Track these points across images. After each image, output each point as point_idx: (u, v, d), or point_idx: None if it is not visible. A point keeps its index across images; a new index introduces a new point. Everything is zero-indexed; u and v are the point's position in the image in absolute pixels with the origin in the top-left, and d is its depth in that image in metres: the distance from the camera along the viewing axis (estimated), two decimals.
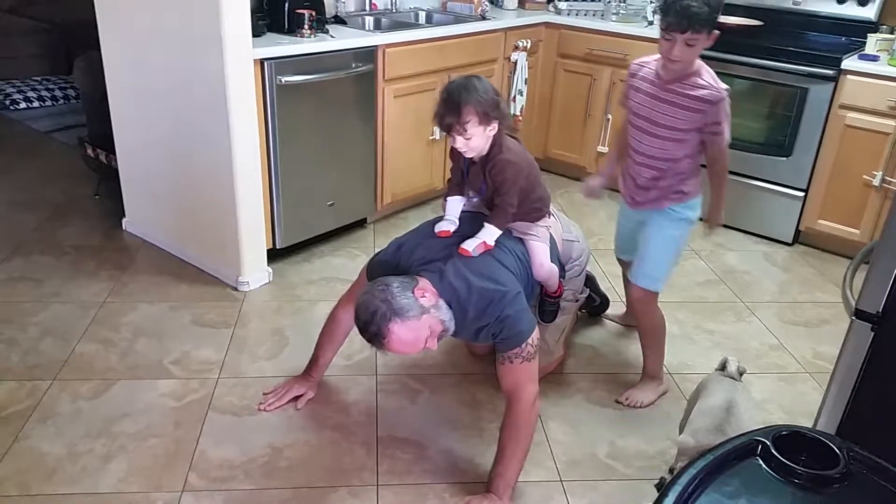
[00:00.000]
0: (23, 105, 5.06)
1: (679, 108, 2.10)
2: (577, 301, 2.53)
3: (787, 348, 2.79)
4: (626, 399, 2.40)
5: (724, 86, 2.09)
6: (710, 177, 2.24)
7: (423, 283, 1.88)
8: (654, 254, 2.29)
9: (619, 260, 2.63)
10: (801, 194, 3.52)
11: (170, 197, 3.12)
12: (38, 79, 5.41)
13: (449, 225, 2.05)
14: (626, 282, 2.51)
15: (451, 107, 1.87)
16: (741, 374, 2.05)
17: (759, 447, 1.23)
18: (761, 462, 1.21)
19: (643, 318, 2.40)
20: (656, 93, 2.14)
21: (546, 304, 2.29)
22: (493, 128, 1.92)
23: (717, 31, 2.01)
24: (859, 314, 1.66)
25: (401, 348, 1.83)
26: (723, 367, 2.05)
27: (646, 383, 2.44)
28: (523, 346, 1.89)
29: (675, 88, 2.10)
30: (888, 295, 1.61)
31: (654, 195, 2.26)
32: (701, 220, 2.36)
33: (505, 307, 1.88)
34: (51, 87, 5.29)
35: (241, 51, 2.63)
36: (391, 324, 1.78)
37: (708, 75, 2.09)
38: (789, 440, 1.24)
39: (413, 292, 1.82)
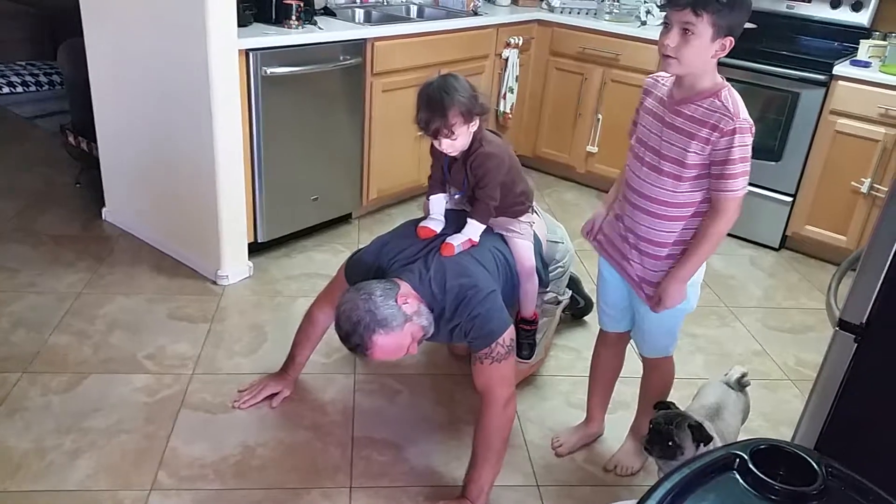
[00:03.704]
0: (6, 90, 4.98)
1: (686, 135, 1.65)
2: (559, 303, 2.49)
3: (771, 354, 2.77)
4: (616, 467, 2.13)
5: (748, 118, 1.62)
6: (701, 224, 1.73)
7: (405, 287, 1.84)
8: (659, 330, 1.93)
9: (603, 333, 2.12)
10: (790, 199, 3.50)
11: (150, 187, 3.06)
12: (23, 63, 5.32)
13: (435, 224, 2.02)
14: (612, 348, 2.13)
15: (436, 111, 1.83)
16: (743, 386, 2.04)
17: (737, 461, 1.20)
18: (738, 477, 1.18)
19: (654, 374, 2.06)
20: (664, 115, 1.70)
21: (522, 335, 2.22)
22: (476, 124, 1.89)
23: (730, 38, 1.59)
24: (843, 325, 1.64)
25: (383, 357, 1.81)
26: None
27: (634, 445, 2.14)
28: (493, 345, 1.85)
29: (683, 110, 1.66)
30: (872, 306, 1.58)
31: (644, 269, 1.81)
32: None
33: (476, 305, 1.84)
34: (35, 72, 5.20)
35: (225, 41, 2.57)
36: (375, 335, 1.74)
37: (729, 98, 1.62)
38: (767, 454, 1.21)
39: (396, 300, 1.78)
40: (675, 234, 1.76)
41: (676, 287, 1.77)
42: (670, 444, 1.69)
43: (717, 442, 1.74)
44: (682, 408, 1.87)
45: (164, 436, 2.11)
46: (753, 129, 1.64)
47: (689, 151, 1.65)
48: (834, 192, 3.37)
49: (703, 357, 2.71)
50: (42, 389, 2.26)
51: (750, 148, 1.63)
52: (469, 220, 1.98)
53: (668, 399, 2.06)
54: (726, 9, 1.55)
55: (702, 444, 1.68)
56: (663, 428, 1.71)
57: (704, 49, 1.58)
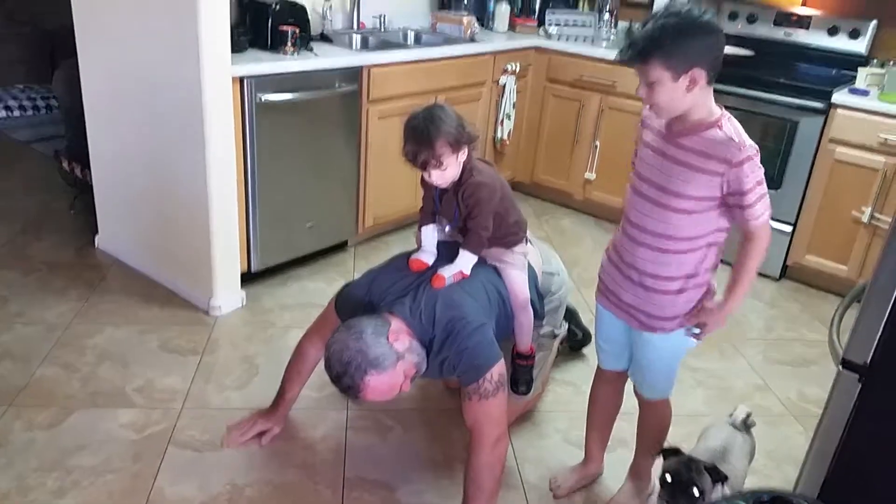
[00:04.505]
0: (3, 114, 4.97)
1: (691, 168, 1.60)
2: (555, 336, 2.45)
3: (773, 389, 2.71)
4: None
5: (752, 143, 1.59)
6: (738, 254, 1.71)
7: (396, 323, 1.80)
8: (658, 370, 1.88)
9: (602, 371, 2.07)
10: (790, 228, 3.47)
11: (143, 215, 3.03)
12: (21, 87, 5.32)
13: (427, 257, 1.98)
14: (610, 386, 2.08)
15: (423, 142, 1.80)
16: (748, 427, 1.98)
17: None
18: None
19: (650, 416, 2.01)
20: (665, 148, 1.65)
21: (518, 371, 2.17)
22: (464, 153, 1.86)
23: (696, 68, 1.52)
24: (846, 364, 1.59)
25: (376, 398, 1.76)
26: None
27: (634, 486, 2.07)
28: (481, 381, 1.80)
29: (685, 143, 1.61)
30: (877, 345, 1.54)
31: (641, 301, 1.76)
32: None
33: (464, 339, 1.80)
34: (32, 95, 5.19)
35: (218, 67, 2.55)
36: (367, 376, 1.70)
37: (730, 127, 1.59)
38: None
39: (387, 338, 1.74)
40: (688, 268, 1.71)
41: (722, 318, 1.74)
42: (694, 491, 1.62)
43: (726, 488, 1.69)
44: (690, 448, 1.83)
45: (151, 475, 2.05)
46: (759, 153, 1.61)
47: (696, 184, 1.60)
48: (834, 221, 3.33)
49: (703, 392, 2.66)
50: (26, 424, 2.20)
51: (760, 171, 1.60)
52: (461, 251, 1.94)
53: (668, 437, 2.02)
54: (671, 47, 1.50)
55: (721, 484, 1.62)
56: (685, 477, 1.63)
57: (672, 91, 1.54)
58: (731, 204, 1.61)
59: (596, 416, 2.14)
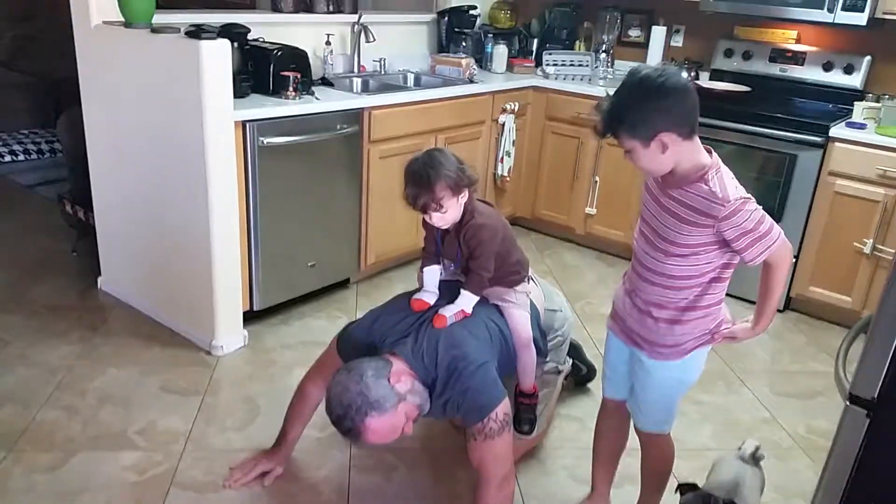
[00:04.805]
0: (8, 158, 5.02)
1: (680, 220, 1.64)
2: (559, 373, 2.43)
3: (780, 422, 2.69)
4: None
5: (738, 194, 1.60)
6: (760, 285, 1.73)
7: (398, 364, 1.79)
8: (657, 400, 1.88)
9: (606, 399, 2.07)
10: (792, 260, 3.46)
11: (145, 257, 3.04)
12: (25, 132, 5.39)
13: (429, 297, 1.99)
14: (614, 416, 2.07)
15: (423, 186, 1.82)
16: (757, 460, 1.96)
17: None
18: None
19: (651, 453, 2.00)
20: (659, 196, 1.70)
21: (521, 410, 2.16)
22: (465, 195, 1.88)
23: (662, 133, 1.54)
24: (854, 399, 1.58)
25: (377, 440, 1.75)
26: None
27: None
28: (486, 420, 1.79)
29: (674, 195, 1.65)
30: (884, 379, 1.53)
31: (646, 329, 1.79)
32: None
33: (467, 378, 1.79)
34: (37, 140, 5.26)
35: (221, 113, 2.59)
36: (367, 418, 1.69)
37: (715, 181, 1.60)
38: None
39: (388, 379, 1.73)
40: (687, 302, 1.73)
41: (752, 336, 1.78)
42: None
43: None
44: (699, 482, 1.80)
45: None
46: (749, 197, 1.62)
47: (687, 235, 1.64)
48: (836, 252, 3.34)
49: (710, 426, 2.63)
50: (28, 469, 2.18)
51: (756, 211, 1.61)
52: (462, 291, 1.95)
53: (676, 472, 1.99)
54: (632, 120, 1.55)
55: None
56: None
57: (649, 156, 1.59)
58: (736, 249, 1.64)
59: (601, 450, 2.12)
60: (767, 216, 1.63)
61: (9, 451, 2.25)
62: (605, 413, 2.08)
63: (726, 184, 1.61)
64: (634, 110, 1.55)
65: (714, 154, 1.67)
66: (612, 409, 2.04)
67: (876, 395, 1.53)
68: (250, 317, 3.02)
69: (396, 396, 1.72)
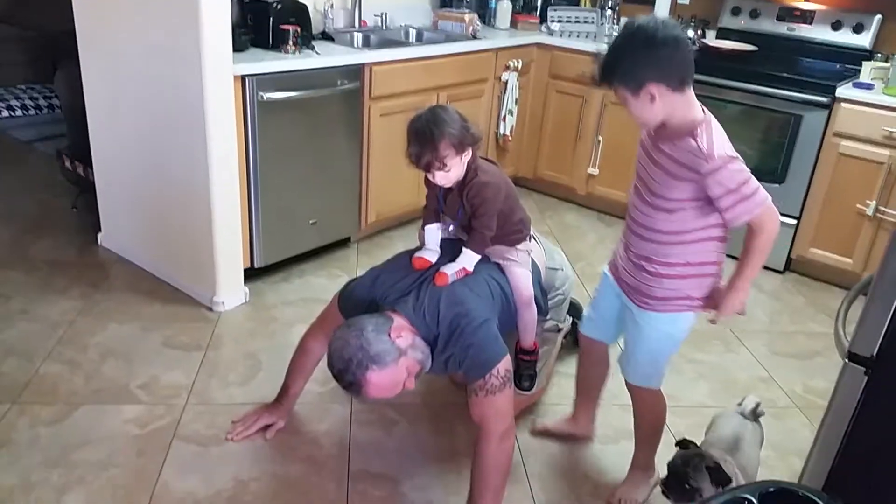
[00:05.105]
0: (5, 114, 4.97)
1: (669, 175, 1.66)
2: (559, 331, 2.44)
3: (777, 381, 2.71)
4: (620, 501, 2.05)
5: (724, 152, 1.60)
6: (744, 246, 1.73)
7: (398, 320, 1.80)
8: (645, 353, 1.90)
9: (581, 335, 2.13)
10: (794, 222, 3.46)
11: (146, 212, 3.03)
12: (23, 87, 5.32)
13: (430, 255, 1.98)
14: (591, 355, 2.14)
15: (426, 144, 1.80)
16: (757, 416, 1.99)
17: None
18: None
19: (643, 409, 2.03)
20: (651, 150, 1.72)
21: (522, 366, 2.17)
22: (469, 153, 1.86)
23: (650, 84, 1.56)
24: (852, 357, 1.59)
25: (379, 395, 1.76)
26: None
27: (636, 477, 2.08)
28: (487, 377, 1.80)
29: (664, 149, 1.67)
30: (883, 338, 1.53)
31: (637, 282, 1.83)
32: None
33: (469, 335, 1.80)
34: (35, 95, 5.20)
35: (220, 66, 2.55)
36: (368, 372, 1.70)
37: (704, 136, 1.60)
38: (777, 498, 1.16)
39: (389, 334, 1.74)
40: (680, 258, 1.75)
41: (733, 295, 1.76)
42: (688, 486, 1.63)
43: (740, 477, 1.69)
44: (695, 439, 1.82)
45: (155, 469, 2.05)
46: (736, 156, 1.62)
47: (674, 189, 1.66)
48: (839, 214, 3.32)
49: (707, 384, 2.65)
50: (31, 421, 2.20)
51: (740, 172, 1.61)
52: (464, 249, 1.94)
53: (672, 427, 2.02)
54: (623, 70, 1.58)
55: (721, 486, 1.62)
56: (680, 470, 1.66)
57: (639, 107, 1.61)
58: (720, 207, 1.64)
59: (580, 381, 2.25)
60: (754, 179, 1.63)
61: (13, 402, 2.27)
62: (582, 350, 2.17)
63: (714, 140, 1.61)
64: (626, 60, 1.58)
65: (707, 111, 1.67)
66: (586, 346, 2.12)
67: (875, 353, 1.54)
68: (251, 274, 3.02)
69: (397, 351, 1.73)
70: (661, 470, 2.08)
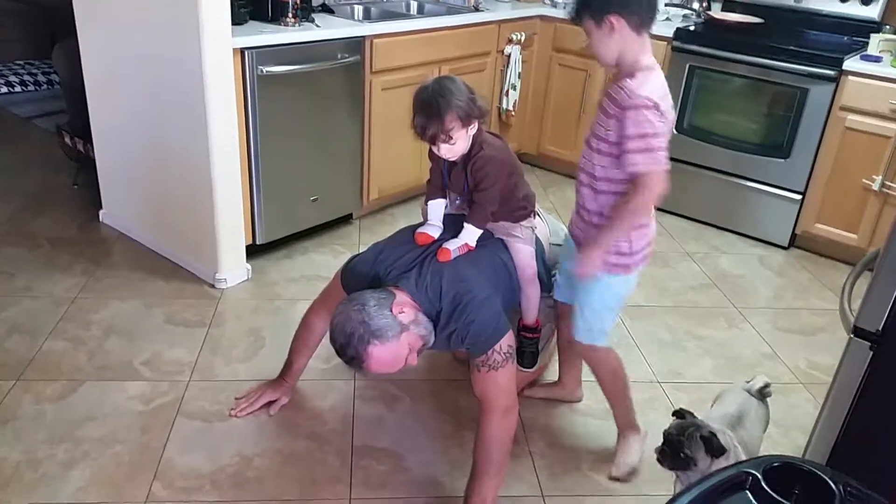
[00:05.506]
0: (4, 90, 4.94)
1: (604, 113, 1.74)
2: None
3: (781, 357, 2.70)
4: (619, 471, 2.08)
5: (650, 95, 1.65)
6: (618, 200, 1.77)
7: (401, 296, 1.79)
8: (585, 306, 1.94)
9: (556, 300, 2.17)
10: (799, 197, 3.43)
11: (147, 189, 3.01)
12: (21, 63, 5.28)
13: (433, 230, 1.96)
14: (566, 319, 2.13)
15: (432, 116, 1.77)
16: (764, 396, 1.98)
17: (749, 479, 1.14)
18: (751, 496, 1.13)
19: (598, 368, 2.10)
20: (601, 98, 1.79)
21: (524, 343, 2.16)
22: (474, 126, 1.83)
23: (613, 15, 1.64)
24: (858, 332, 1.58)
25: (381, 369, 1.75)
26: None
27: (625, 440, 2.13)
28: (490, 352, 1.80)
29: (610, 91, 1.73)
30: (889, 313, 1.52)
31: (580, 233, 1.90)
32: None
33: (471, 311, 1.79)
34: (34, 71, 5.16)
35: (219, 39, 2.52)
36: (370, 346, 1.69)
37: (640, 78, 1.66)
38: (781, 472, 1.15)
39: (391, 309, 1.73)
40: (610, 208, 1.80)
41: (589, 252, 1.81)
42: (682, 455, 1.64)
43: (741, 452, 1.69)
44: (699, 413, 1.82)
45: (160, 445, 2.06)
46: (658, 107, 1.66)
47: (610, 131, 1.71)
48: (844, 189, 3.30)
49: (710, 360, 2.65)
50: (35, 398, 2.21)
51: (649, 124, 1.65)
52: (465, 224, 1.92)
53: (676, 402, 2.02)
54: (590, 2, 1.68)
55: (714, 458, 1.62)
56: (675, 439, 1.66)
57: (599, 39, 1.69)
58: (623, 149, 1.69)
59: (561, 346, 2.31)
60: (664, 143, 1.67)
61: (17, 379, 2.28)
62: (558, 315, 2.20)
63: (646, 83, 1.66)
64: None
65: (657, 64, 1.73)
66: (562, 311, 2.15)
67: (880, 328, 1.53)
68: (253, 251, 3.01)
69: (399, 326, 1.72)
70: (657, 390, 2.24)
